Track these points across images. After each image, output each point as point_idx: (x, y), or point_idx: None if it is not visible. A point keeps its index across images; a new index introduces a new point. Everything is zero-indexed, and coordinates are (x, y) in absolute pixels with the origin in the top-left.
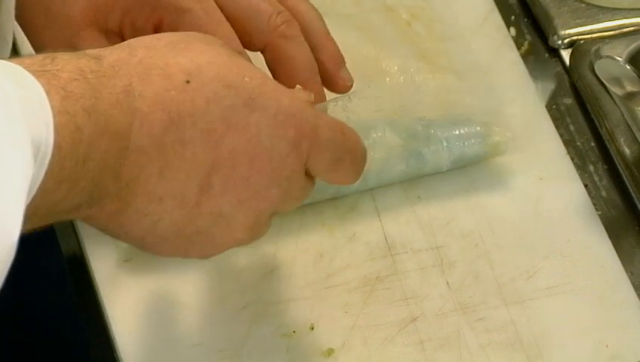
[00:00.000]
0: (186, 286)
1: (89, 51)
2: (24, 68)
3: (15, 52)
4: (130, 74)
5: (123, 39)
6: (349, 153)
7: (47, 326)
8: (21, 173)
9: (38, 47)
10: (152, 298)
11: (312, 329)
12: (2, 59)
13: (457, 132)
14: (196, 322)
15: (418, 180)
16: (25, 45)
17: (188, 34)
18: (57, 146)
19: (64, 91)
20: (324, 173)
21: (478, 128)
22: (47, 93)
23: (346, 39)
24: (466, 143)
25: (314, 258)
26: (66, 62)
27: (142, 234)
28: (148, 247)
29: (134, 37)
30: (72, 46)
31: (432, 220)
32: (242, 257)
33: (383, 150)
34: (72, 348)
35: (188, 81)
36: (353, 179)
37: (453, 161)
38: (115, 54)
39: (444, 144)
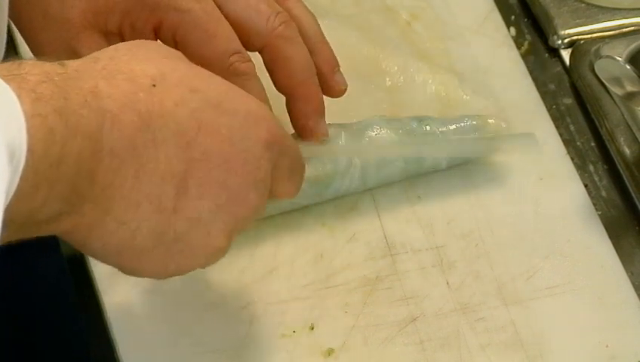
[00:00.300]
0: (186, 287)
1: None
2: None
3: (15, 52)
4: (95, 77)
5: (123, 41)
6: (300, 164)
7: (47, 326)
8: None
9: (36, 50)
10: (152, 298)
11: (312, 329)
12: None
13: (453, 126)
14: (196, 322)
15: (418, 180)
16: (24, 45)
17: (148, 46)
18: (30, 150)
19: (34, 93)
20: (281, 182)
21: (474, 122)
22: (19, 96)
23: (345, 39)
24: (462, 137)
25: (314, 258)
26: (31, 67)
27: (120, 248)
28: (126, 263)
29: (134, 39)
30: (71, 49)
31: (432, 220)
32: (242, 257)
33: (383, 173)
34: (71, 348)
35: (154, 85)
36: (297, 192)
37: (450, 154)
38: (78, 62)
39: (441, 138)
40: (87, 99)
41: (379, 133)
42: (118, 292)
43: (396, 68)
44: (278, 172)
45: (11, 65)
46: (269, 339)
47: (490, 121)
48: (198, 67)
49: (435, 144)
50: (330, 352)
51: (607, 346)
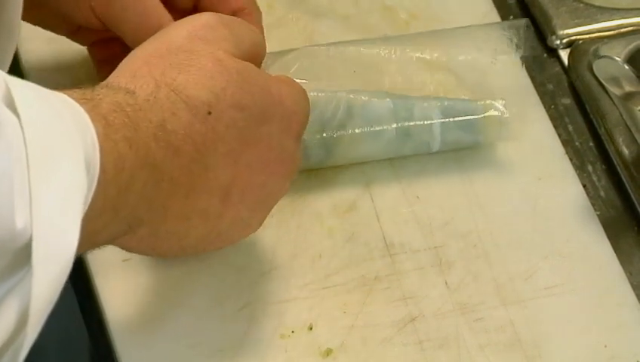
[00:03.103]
0: (185, 286)
1: (118, 83)
2: (67, 95)
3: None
4: (162, 109)
5: None
6: None
7: (46, 326)
8: (77, 187)
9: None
10: (151, 297)
11: (311, 329)
12: (9, 52)
13: (446, 102)
14: (195, 322)
15: (417, 180)
16: (23, 47)
17: (192, 45)
18: (103, 170)
19: (105, 120)
20: None
21: (469, 98)
22: (91, 119)
23: (344, 39)
24: (455, 103)
25: (312, 258)
26: (104, 95)
27: (168, 250)
28: (170, 256)
29: None
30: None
31: (431, 220)
32: (241, 257)
33: (370, 113)
34: (71, 348)
35: (209, 112)
36: None
37: (443, 113)
38: (144, 89)
39: (434, 102)
40: (156, 133)
41: (368, 100)
42: (116, 291)
43: (395, 68)
44: None
45: (84, 90)
46: (267, 339)
47: (485, 100)
48: (240, 63)
49: (428, 110)
50: (328, 352)
51: (605, 346)
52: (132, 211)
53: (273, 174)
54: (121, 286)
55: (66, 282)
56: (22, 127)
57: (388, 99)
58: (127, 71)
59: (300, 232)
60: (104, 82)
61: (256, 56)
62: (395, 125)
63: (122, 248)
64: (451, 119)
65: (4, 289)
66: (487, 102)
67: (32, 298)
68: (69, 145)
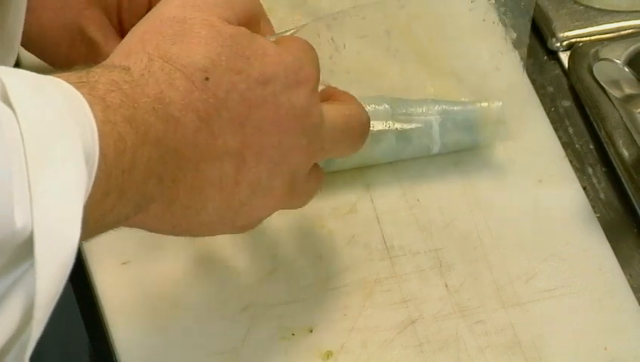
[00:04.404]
0: (186, 289)
1: (112, 63)
2: (63, 80)
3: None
4: (158, 82)
5: (119, 15)
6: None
7: (46, 328)
8: (76, 177)
9: (35, 31)
10: (151, 300)
11: (311, 331)
12: (9, 63)
13: (445, 105)
14: (195, 324)
15: (417, 182)
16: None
17: (185, 14)
18: (103, 155)
19: (104, 102)
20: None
21: (467, 100)
22: (89, 103)
23: (344, 42)
24: (454, 106)
25: (313, 260)
26: (100, 75)
27: (188, 226)
28: (197, 233)
29: (131, 12)
30: (76, 27)
31: (431, 223)
32: (241, 259)
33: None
34: (71, 350)
35: (207, 78)
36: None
37: (442, 116)
38: (138, 65)
39: (432, 104)
40: (155, 107)
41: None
42: (117, 294)
43: (395, 70)
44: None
45: (80, 73)
46: (267, 342)
47: (483, 101)
48: (233, 28)
49: (426, 113)
50: (328, 355)
51: (605, 349)
52: (140, 189)
53: (286, 132)
54: (122, 288)
55: (66, 284)
56: (18, 122)
57: (386, 105)
58: (122, 50)
59: (301, 234)
60: (99, 64)
61: (252, 19)
62: (393, 130)
63: (142, 228)
64: (450, 122)
65: (7, 283)
66: (485, 104)
67: (37, 293)
68: (66, 136)
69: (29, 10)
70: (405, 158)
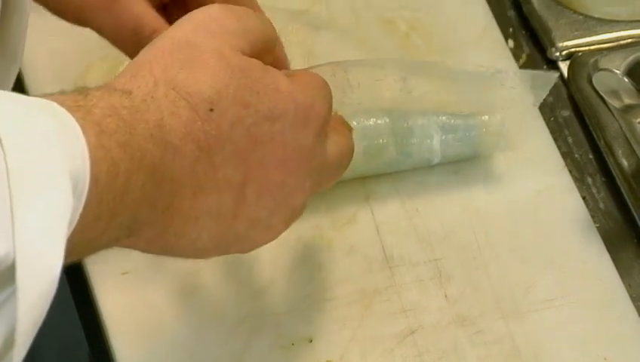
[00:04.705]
0: (185, 300)
1: (116, 84)
2: (58, 104)
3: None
4: (160, 108)
5: None
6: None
7: (46, 337)
8: (61, 207)
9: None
10: (152, 310)
11: (311, 341)
12: (11, 76)
13: (445, 117)
14: (195, 335)
15: (417, 193)
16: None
17: (197, 39)
18: (95, 180)
19: (98, 127)
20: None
21: (467, 112)
22: (82, 128)
23: (344, 52)
24: (454, 119)
25: (312, 270)
26: (98, 99)
27: (182, 251)
28: (188, 257)
29: None
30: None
31: (430, 233)
32: (240, 269)
33: (369, 128)
34: (71, 360)
35: (211, 109)
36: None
37: (443, 130)
38: (141, 89)
39: (433, 117)
40: (153, 133)
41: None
42: (116, 305)
43: (394, 80)
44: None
45: (77, 96)
46: (267, 352)
47: (491, 138)
48: (244, 60)
49: (426, 127)
50: None
51: (605, 359)
52: (132, 214)
53: (291, 173)
54: (121, 299)
55: (67, 294)
56: (3, 149)
57: (386, 118)
58: (130, 71)
59: (300, 245)
60: (103, 84)
61: (266, 47)
62: (394, 143)
63: (133, 249)
64: (451, 136)
65: None
66: (485, 117)
67: (18, 321)
68: (52, 164)
69: None
70: (405, 170)
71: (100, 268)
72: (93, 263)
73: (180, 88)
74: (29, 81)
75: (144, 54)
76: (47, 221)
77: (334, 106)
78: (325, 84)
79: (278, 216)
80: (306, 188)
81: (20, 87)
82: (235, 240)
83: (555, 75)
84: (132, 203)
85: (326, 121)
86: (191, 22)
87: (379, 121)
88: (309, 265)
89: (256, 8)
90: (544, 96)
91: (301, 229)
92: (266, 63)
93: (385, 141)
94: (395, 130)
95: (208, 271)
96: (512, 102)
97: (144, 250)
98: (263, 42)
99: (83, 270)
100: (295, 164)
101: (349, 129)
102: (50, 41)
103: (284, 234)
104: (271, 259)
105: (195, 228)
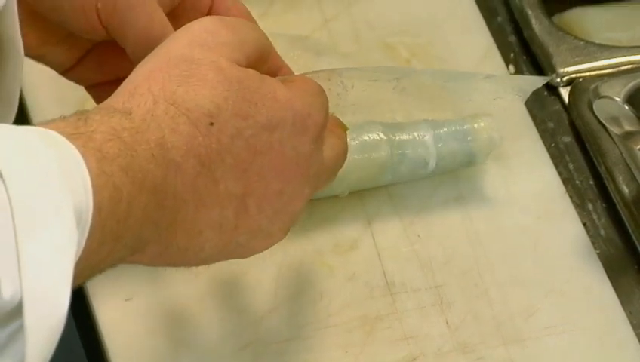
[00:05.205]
0: (188, 326)
1: (115, 104)
2: (58, 132)
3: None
4: (161, 127)
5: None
6: (342, 127)
7: None
8: (66, 242)
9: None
10: (154, 337)
11: None
12: (8, 121)
13: (438, 125)
14: (197, 361)
15: (417, 218)
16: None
17: (192, 53)
18: (97, 208)
19: (100, 153)
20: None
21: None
22: (83, 155)
23: (353, 83)
24: (447, 126)
25: (314, 297)
26: (98, 123)
27: (186, 263)
28: (191, 266)
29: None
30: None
31: (432, 259)
32: (242, 296)
33: (362, 139)
34: None
35: (212, 123)
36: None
37: (435, 135)
38: (141, 107)
39: (427, 133)
40: (154, 153)
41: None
42: (119, 331)
43: (395, 105)
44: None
45: (77, 122)
46: None
47: (483, 135)
48: (242, 71)
49: (420, 137)
50: None
51: None
52: (135, 234)
53: (290, 181)
54: (124, 324)
55: (69, 321)
56: (5, 186)
57: (381, 134)
58: (127, 89)
59: (302, 271)
60: (102, 103)
61: (261, 57)
62: (389, 155)
63: (137, 264)
64: (444, 140)
65: None
66: (476, 125)
67: (27, 358)
68: (56, 198)
69: None
70: (402, 175)
71: (102, 294)
72: (96, 289)
73: (179, 104)
74: (31, 108)
75: (140, 70)
76: (53, 257)
77: (330, 109)
78: (321, 90)
79: (278, 224)
80: (304, 195)
81: (21, 111)
82: (237, 249)
83: (544, 80)
84: (135, 224)
85: (323, 127)
86: (186, 35)
87: (373, 135)
88: (311, 291)
89: (248, 19)
90: (529, 93)
91: (303, 255)
92: (261, 72)
93: (379, 154)
94: (389, 142)
95: (210, 298)
96: (504, 108)
97: (148, 265)
98: (258, 52)
99: (86, 296)
100: (294, 172)
101: (344, 129)
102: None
103: (286, 260)
104: (273, 286)
105: (198, 241)
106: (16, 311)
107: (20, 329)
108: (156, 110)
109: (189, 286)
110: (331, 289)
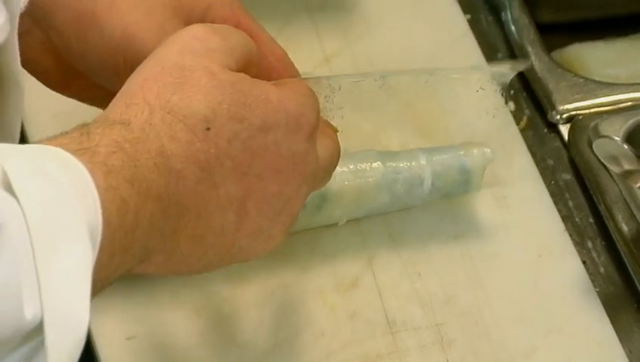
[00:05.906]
0: None
1: (113, 116)
2: (63, 148)
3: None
4: (160, 135)
5: None
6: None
7: None
8: (83, 260)
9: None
10: None
11: None
12: None
13: (434, 153)
14: None
15: (418, 256)
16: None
17: (184, 60)
18: (107, 223)
19: (105, 167)
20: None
21: (461, 152)
22: (91, 172)
23: (345, 115)
24: (443, 153)
25: (315, 335)
26: (100, 137)
27: (190, 269)
28: (194, 273)
29: None
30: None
31: (432, 297)
32: (244, 334)
33: (357, 164)
34: None
35: (208, 128)
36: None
37: (430, 163)
38: (139, 117)
39: (421, 153)
40: (156, 162)
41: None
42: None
43: (396, 143)
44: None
45: (80, 137)
46: None
47: (474, 150)
48: (233, 75)
49: (415, 163)
50: None
51: None
52: (142, 244)
53: (288, 181)
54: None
55: None
56: (22, 211)
57: (379, 162)
58: (123, 99)
59: (303, 310)
60: (100, 116)
61: (251, 63)
62: (386, 184)
63: (143, 273)
64: (439, 168)
65: (19, 356)
66: (471, 151)
67: None
68: (71, 217)
69: (109, 9)
70: (400, 203)
71: (104, 333)
72: (98, 327)
73: (175, 111)
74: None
75: (134, 79)
76: (71, 276)
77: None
78: (312, 92)
79: (279, 225)
80: (302, 194)
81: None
82: (239, 253)
83: (524, 65)
84: (142, 234)
85: (315, 126)
86: (176, 43)
87: (370, 165)
88: (312, 329)
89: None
90: (510, 78)
91: (304, 293)
92: (251, 76)
93: (376, 183)
94: (386, 172)
95: (211, 335)
96: (512, 163)
97: (153, 273)
98: (247, 56)
99: (88, 334)
100: (290, 172)
101: (335, 130)
102: (52, 105)
103: (287, 298)
104: (274, 323)
105: (200, 246)
106: (36, 330)
107: (42, 347)
108: (153, 119)
109: (190, 325)
110: (332, 328)
